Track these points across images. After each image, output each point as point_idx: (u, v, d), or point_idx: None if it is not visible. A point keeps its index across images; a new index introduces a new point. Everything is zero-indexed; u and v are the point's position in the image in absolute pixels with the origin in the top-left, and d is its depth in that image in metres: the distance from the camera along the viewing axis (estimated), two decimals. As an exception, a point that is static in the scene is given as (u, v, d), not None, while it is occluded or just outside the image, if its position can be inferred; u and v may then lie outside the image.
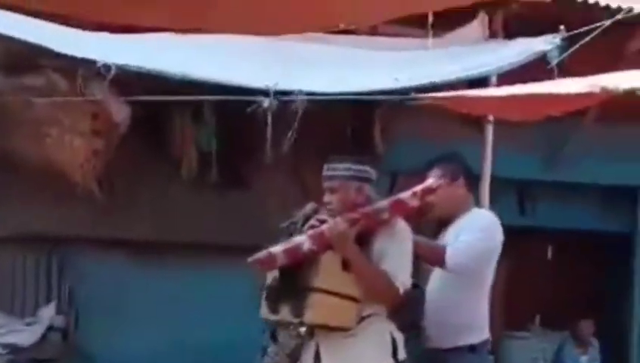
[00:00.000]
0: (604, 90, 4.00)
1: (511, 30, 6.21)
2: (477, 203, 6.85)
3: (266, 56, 4.84)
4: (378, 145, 7.05)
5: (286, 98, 4.26)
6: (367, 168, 4.19)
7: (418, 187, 4.15)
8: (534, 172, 8.05)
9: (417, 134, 6.98)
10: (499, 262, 6.58)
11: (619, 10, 5.75)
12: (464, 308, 4.49)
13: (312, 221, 4.13)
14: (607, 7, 5.99)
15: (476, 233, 4.48)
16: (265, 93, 4.33)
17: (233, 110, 4.77)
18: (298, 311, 3.95)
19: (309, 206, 4.26)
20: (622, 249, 8.78)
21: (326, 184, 4.18)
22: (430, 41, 5.21)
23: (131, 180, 6.36)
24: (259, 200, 6.53)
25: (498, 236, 4.59)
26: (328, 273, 3.98)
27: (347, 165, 4.16)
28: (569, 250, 9.36)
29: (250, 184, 6.67)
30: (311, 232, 4.06)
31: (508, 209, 8.19)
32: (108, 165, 5.91)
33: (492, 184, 7.00)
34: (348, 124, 6.77)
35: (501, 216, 7.30)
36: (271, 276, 4.12)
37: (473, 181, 4.71)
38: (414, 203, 4.12)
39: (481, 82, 5.82)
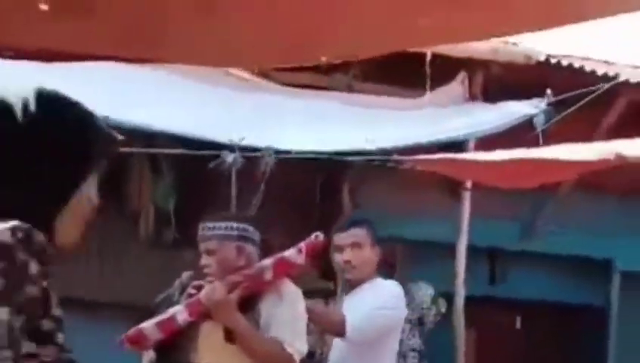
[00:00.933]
0: (619, 157, 3.72)
1: (490, 92, 5.97)
2: (452, 272, 6.67)
3: (233, 103, 4.50)
4: (346, 207, 6.74)
5: (252, 155, 3.91)
6: (247, 226, 3.71)
7: (302, 244, 3.66)
8: (506, 241, 7.84)
9: (387, 199, 6.70)
10: (468, 331, 6.25)
11: (605, 76, 5.53)
12: None
13: (189, 290, 3.66)
14: (593, 72, 5.77)
15: (381, 303, 4.17)
16: (229, 148, 3.98)
17: (193, 163, 4.43)
18: None
19: (186, 274, 3.82)
20: (595, 323, 8.53)
21: (202, 246, 3.70)
22: (427, 97, 4.91)
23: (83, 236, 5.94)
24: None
25: (402, 308, 4.32)
26: (209, 347, 3.53)
27: (225, 224, 3.69)
28: (540, 321, 9.11)
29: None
30: (187, 301, 3.62)
31: (478, 277, 7.95)
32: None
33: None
34: (317, 183, 6.45)
35: (470, 285, 7.16)
36: (147, 359, 3.63)
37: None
38: (300, 260, 3.64)
39: (458, 145, 5.55)
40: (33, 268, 1.49)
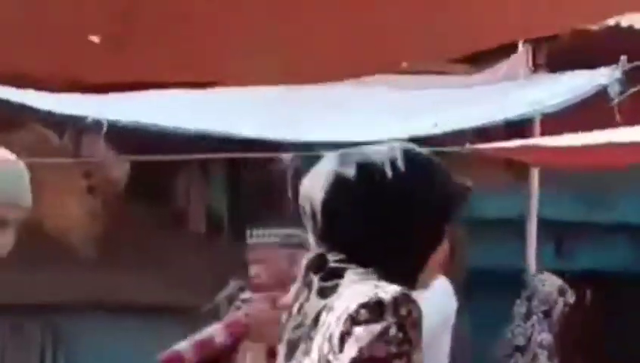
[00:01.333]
0: None
1: (555, 63, 5.60)
2: (519, 247, 6.36)
3: (281, 101, 4.21)
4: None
5: (309, 154, 3.60)
6: (299, 231, 3.46)
7: None
8: (572, 213, 7.65)
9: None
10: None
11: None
12: None
13: (237, 303, 3.48)
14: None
15: (434, 305, 3.88)
16: (285, 147, 3.69)
17: (247, 163, 4.15)
18: None
19: (233, 284, 3.58)
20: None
21: (250, 256, 3.48)
22: (487, 72, 4.60)
23: (133, 241, 5.76)
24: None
25: (453, 304, 4.12)
26: None
27: (274, 231, 3.49)
28: (608, 293, 8.78)
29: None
30: (227, 320, 3.41)
31: (544, 251, 7.68)
32: (107, 226, 5.33)
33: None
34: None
35: (537, 259, 6.89)
36: None
37: None
38: None
39: (525, 121, 5.21)
40: (392, 332, 1.55)
